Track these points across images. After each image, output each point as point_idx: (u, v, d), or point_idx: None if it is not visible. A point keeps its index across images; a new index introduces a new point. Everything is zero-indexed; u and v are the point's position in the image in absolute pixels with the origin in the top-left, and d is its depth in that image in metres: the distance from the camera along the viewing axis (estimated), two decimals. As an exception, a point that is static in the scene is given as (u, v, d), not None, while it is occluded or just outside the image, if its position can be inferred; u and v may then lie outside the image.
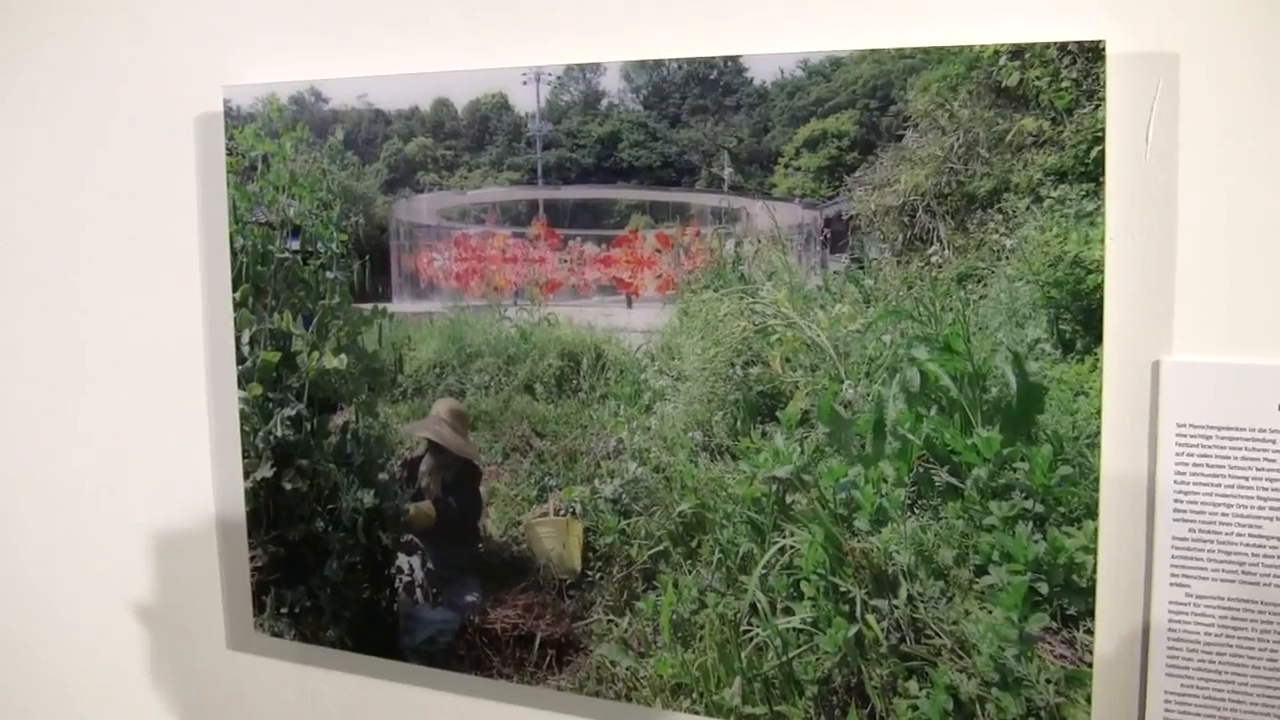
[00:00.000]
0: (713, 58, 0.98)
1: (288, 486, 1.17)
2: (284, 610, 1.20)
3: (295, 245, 1.16)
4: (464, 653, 1.12)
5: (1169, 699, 0.88)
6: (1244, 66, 0.82)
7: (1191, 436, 0.85)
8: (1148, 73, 0.84)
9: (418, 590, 1.14)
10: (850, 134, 0.94)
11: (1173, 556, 0.86)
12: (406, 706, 1.20)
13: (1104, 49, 0.83)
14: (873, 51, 0.91)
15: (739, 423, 0.99)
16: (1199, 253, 0.85)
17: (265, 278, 1.17)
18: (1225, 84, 0.83)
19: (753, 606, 0.98)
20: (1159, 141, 0.85)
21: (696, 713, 1.01)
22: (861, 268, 0.94)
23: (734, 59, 0.97)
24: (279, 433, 1.17)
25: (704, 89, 0.98)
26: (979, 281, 0.89)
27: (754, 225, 0.98)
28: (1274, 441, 0.83)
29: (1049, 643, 0.88)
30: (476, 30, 1.08)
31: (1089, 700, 0.87)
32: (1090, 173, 0.85)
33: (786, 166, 0.96)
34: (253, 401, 1.18)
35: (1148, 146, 0.85)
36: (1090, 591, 0.87)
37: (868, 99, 0.92)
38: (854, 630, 0.94)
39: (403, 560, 1.14)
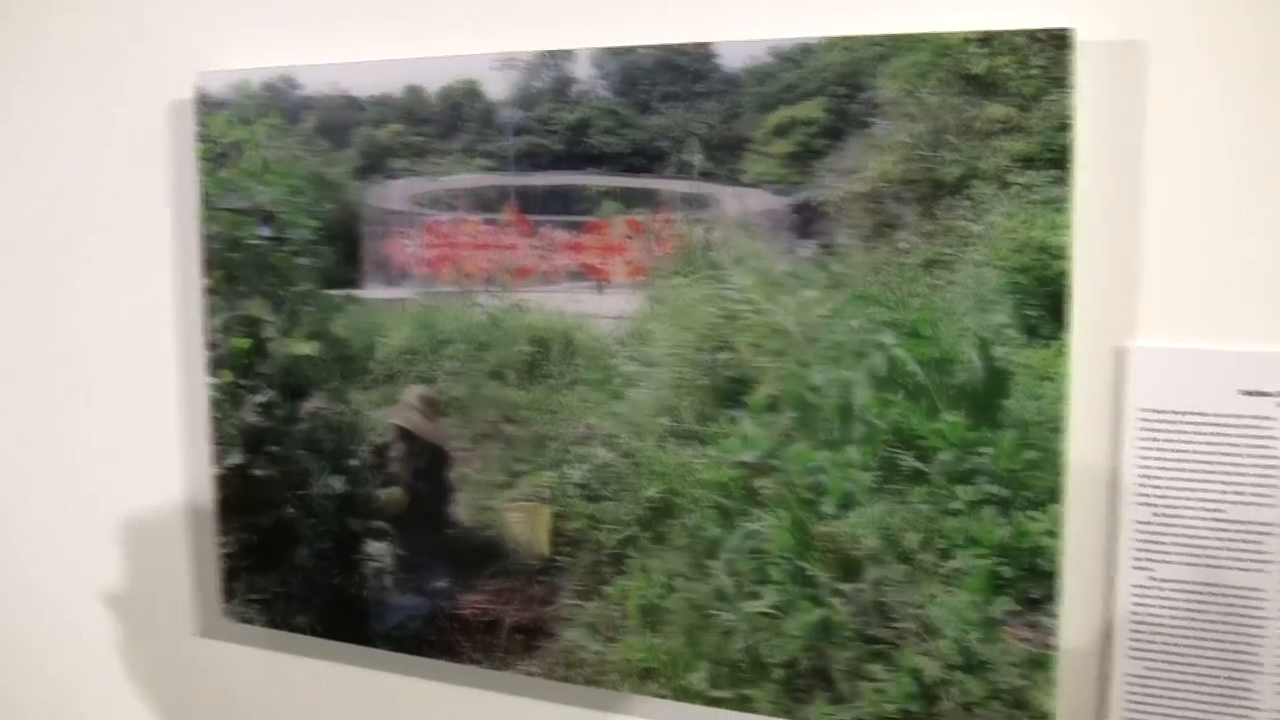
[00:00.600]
0: (683, 44, 0.98)
1: (258, 473, 1.17)
2: (254, 597, 1.19)
3: (267, 232, 1.15)
4: (433, 638, 1.11)
5: (1131, 681, 0.88)
6: (1212, 55, 0.83)
7: (1155, 421, 0.86)
8: (1116, 60, 0.85)
9: (388, 576, 1.14)
10: (819, 121, 0.94)
11: (1136, 540, 0.87)
12: (376, 692, 1.20)
13: (1072, 36, 0.84)
14: (843, 39, 0.91)
15: (707, 408, 0.99)
16: (1164, 239, 0.85)
17: (237, 264, 1.16)
18: (1193, 72, 0.83)
19: (719, 591, 0.98)
20: (1126, 129, 0.85)
21: (664, 697, 1.01)
22: (830, 254, 0.94)
23: (704, 45, 0.97)
24: (249, 419, 1.17)
25: (674, 75, 0.98)
26: (946, 267, 0.90)
27: (724, 211, 0.98)
28: (1236, 426, 0.84)
29: (1013, 626, 0.88)
30: (448, 16, 1.08)
31: (1052, 683, 0.88)
32: (1057, 159, 0.85)
33: (756, 153, 0.96)
34: (223, 388, 1.17)
35: (1115, 133, 0.85)
36: (1054, 575, 0.87)
37: (837, 86, 0.92)
38: (820, 614, 0.95)
39: (373, 546, 1.14)
